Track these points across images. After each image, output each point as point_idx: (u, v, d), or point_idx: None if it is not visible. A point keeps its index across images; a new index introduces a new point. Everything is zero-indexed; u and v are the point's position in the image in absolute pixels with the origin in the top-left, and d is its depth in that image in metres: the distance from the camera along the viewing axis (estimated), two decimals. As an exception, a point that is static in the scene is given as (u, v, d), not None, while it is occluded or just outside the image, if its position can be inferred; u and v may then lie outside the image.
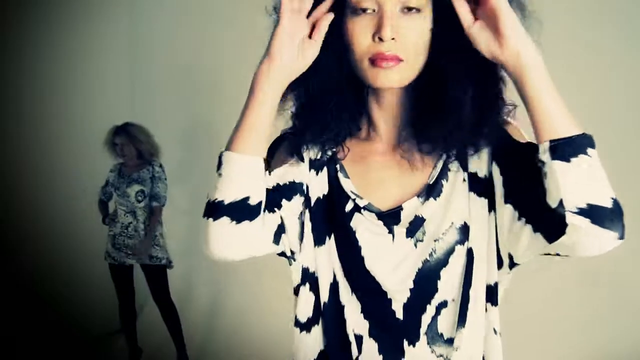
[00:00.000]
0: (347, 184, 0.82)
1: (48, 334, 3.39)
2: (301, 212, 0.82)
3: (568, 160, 0.63)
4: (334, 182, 0.83)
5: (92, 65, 3.71)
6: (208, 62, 3.59)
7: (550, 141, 0.64)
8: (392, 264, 0.78)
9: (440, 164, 0.79)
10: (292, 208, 0.80)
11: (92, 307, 3.65)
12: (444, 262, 0.77)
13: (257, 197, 0.73)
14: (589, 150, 0.64)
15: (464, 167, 0.78)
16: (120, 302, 3.16)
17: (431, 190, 0.78)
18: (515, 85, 0.68)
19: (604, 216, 0.64)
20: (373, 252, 0.79)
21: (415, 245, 0.78)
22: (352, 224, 0.80)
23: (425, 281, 0.77)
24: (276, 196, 0.78)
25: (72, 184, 3.54)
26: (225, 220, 0.72)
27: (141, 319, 3.41)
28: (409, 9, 0.71)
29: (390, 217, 0.79)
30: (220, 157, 0.75)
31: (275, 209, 0.77)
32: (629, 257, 2.07)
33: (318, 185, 0.84)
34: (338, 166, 0.83)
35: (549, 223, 0.65)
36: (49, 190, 3.43)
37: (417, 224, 0.78)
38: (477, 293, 0.77)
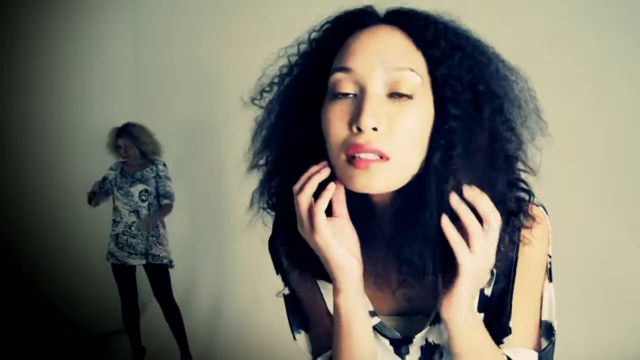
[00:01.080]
0: None
1: (50, 333, 3.40)
2: None
3: None
4: None
5: (94, 64, 3.73)
6: (209, 61, 3.59)
7: None
8: None
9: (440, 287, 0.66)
10: None
11: (94, 307, 3.67)
12: None
13: None
14: None
15: None
16: (123, 301, 3.16)
17: (439, 317, 0.66)
18: None
19: None
20: None
21: None
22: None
23: None
24: None
25: (74, 183, 3.54)
26: None
27: (144, 318, 3.42)
28: (399, 95, 0.57)
29: (401, 343, 0.71)
30: None
31: None
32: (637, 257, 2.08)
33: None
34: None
35: None
36: (51, 190, 3.45)
37: (428, 350, 0.70)
38: None
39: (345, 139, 0.58)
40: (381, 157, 0.57)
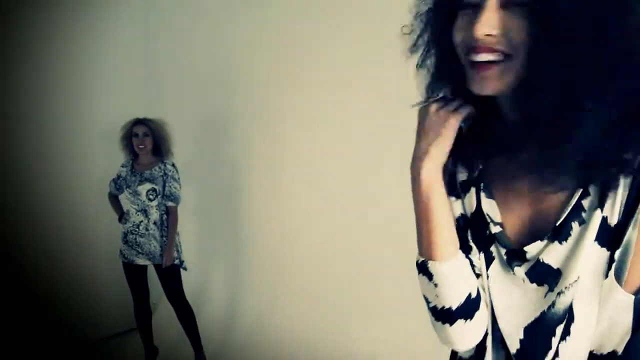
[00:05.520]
0: (486, 206, 0.75)
1: (61, 334, 3.39)
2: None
3: None
4: (477, 201, 0.76)
5: (104, 63, 3.70)
6: (220, 60, 3.56)
7: None
8: (511, 306, 0.71)
9: (574, 200, 0.65)
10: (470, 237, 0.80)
11: (105, 307, 3.65)
12: (561, 318, 0.66)
13: (474, 287, 0.74)
14: None
15: (601, 207, 0.63)
16: (134, 301, 3.13)
17: (558, 232, 0.66)
18: None
19: None
20: (497, 287, 0.72)
21: (537, 291, 0.69)
22: (491, 248, 0.74)
23: (539, 336, 0.68)
24: None
25: (85, 181, 3.53)
26: (460, 322, 0.73)
27: (156, 318, 3.39)
28: (514, 3, 0.61)
29: (514, 255, 0.70)
30: (424, 265, 0.74)
31: None
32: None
33: (468, 205, 0.78)
34: (482, 185, 0.76)
35: None
36: (60, 188, 3.42)
37: (539, 269, 0.68)
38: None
39: (466, 46, 0.65)
40: (495, 61, 0.62)
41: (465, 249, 0.76)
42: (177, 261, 3.03)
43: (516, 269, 0.70)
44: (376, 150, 2.66)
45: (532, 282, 0.69)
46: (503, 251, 0.72)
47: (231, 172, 3.55)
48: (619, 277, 0.62)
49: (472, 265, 0.76)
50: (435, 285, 0.73)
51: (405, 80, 2.74)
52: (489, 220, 0.73)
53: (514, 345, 0.70)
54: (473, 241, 0.76)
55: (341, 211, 2.88)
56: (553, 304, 0.66)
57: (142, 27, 4.01)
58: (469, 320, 0.73)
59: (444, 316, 0.74)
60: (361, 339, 2.74)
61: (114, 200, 3.21)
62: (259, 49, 3.27)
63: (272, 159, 3.25)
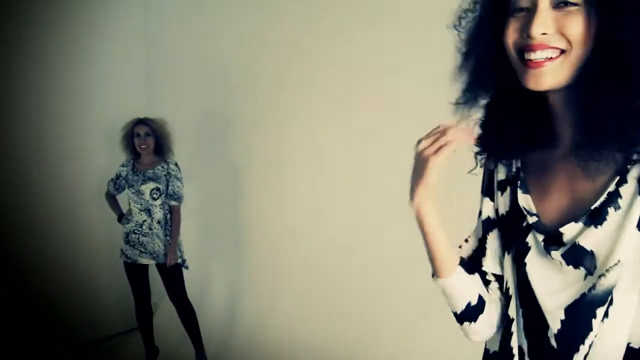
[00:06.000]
0: (522, 200, 0.81)
1: (61, 334, 3.39)
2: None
3: None
4: (514, 198, 0.83)
5: (105, 62, 3.68)
6: (220, 59, 3.56)
7: None
8: (552, 288, 0.75)
9: (611, 186, 0.68)
10: (492, 239, 0.88)
11: (106, 307, 3.65)
12: (602, 300, 0.68)
13: (475, 295, 0.86)
14: None
15: None
16: (135, 301, 3.12)
17: (594, 216, 0.69)
18: None
19: None
20: (537, 271, 0.77)
21: (575, 274, 0.72)
22: (527, 239, 0.79)
23: (579, 316, 0.71)
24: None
25: (84, 181, 3.53)
26: (466, 323, 0.88)
27: (157, 318, 3.39)
28: (565, 3, 0.67)
29: (551, 239, 0.75)
30: (435, 280, 0.88)
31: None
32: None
33: (502, 204, 0.86)
34: (519, 182, 0.82)
35: None
36: (60, 188, 3.41)
37: (575, 252, 0.71)
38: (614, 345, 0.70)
39: (520, 45, 0.71)
40: (551, 57, 0.68)
41: (480, 251, 0.88)
42: (179, 260, 3.03)
43: (553, 252, 0.74)
44: (377, 151, 2.66)
45: (568, 264, 0.72)
46: (540, 238, 0.76)
47: (231, 172, 3.54)
48: None
49: (482, 272, 0.88)
50: (445, 294, 0.87)
51: (407, 81, 2.73)
52: (525, 213, 0.79)
53: (555, 326, 0.73)
54: (504, 238, 0.85)
55: (342, 211, 2.88)
56: (593, 287, 0.69)
57: (142, 26, 4.00)
58: (473, 322, 0.86)
59: (456, 318, 0.88)
60: (361, 340, 2.74)
61: (112, 200, 3.18)
62: (259, 48, 3.27)
63: (273, 159, 3.25)
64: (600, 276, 0.68)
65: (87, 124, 3.58)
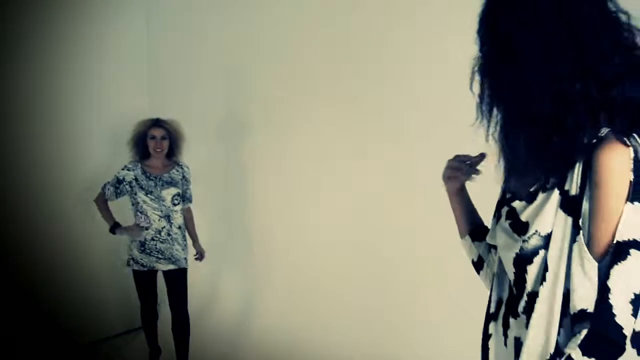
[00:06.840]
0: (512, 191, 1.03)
1: (63, 334, 3.39)
2: None
3: None
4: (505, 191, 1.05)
5: (107, 63, 3.64)
6: (222, 60, 3.55)
7: None
8: (506, 247, 0.95)
9: (543, 177, 0.88)
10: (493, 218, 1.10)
11: (106, 307, 3.64)
12: (529, 260, 0.88)
13: (476, 255, 1.18)
14: None
15: (560, 185, 0.85)
16: (142, 304, 3.06)
17: (530, 197, 0.90)
18: None
19: None
20: (501, 235, 0.98)
21: (515, 238, 0.92)
22: (502, 210, 1.00)
23: (518, 270, 0.91)
24: None
25: (84, 182, 3.51)
26: (477, 273, 1.19)
27: (160, 319, 3.40)
28: None
29: (509, 212, 0.95)
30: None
31: None
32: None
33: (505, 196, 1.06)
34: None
35: None
36: (60, 188, 3.38)
37: (516, 222, 0.92)
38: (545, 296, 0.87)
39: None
40: None
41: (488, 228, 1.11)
42: (183, 260, 2.99)
43: (507, 221, 0.95)
44: (390, 155, 2.67)
45: (513, 231, 0.93)
46: (505, 210, 0.96)
47: (231, 172, 3.53)
48: (589, 246, 0.79)
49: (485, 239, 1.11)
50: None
51: (417, 82, 2.69)
52: (508, 197, 0.98)
53: (510, 277, 0.95)
54: (495, 212, 1.05)
55: (352, 212, 2.90)
56: (521, 248, 0.89)
57: (144, 27, 3.97)
58: (479, 273, 1.18)
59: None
60: (373, 341, 2.75)
61: (105, 206, 2.93)
62: (262, 49, 3.25)
63: (283, 160, 3.25)
64: (524, 241, 0.88)
65: (89, 126, 3.54)
